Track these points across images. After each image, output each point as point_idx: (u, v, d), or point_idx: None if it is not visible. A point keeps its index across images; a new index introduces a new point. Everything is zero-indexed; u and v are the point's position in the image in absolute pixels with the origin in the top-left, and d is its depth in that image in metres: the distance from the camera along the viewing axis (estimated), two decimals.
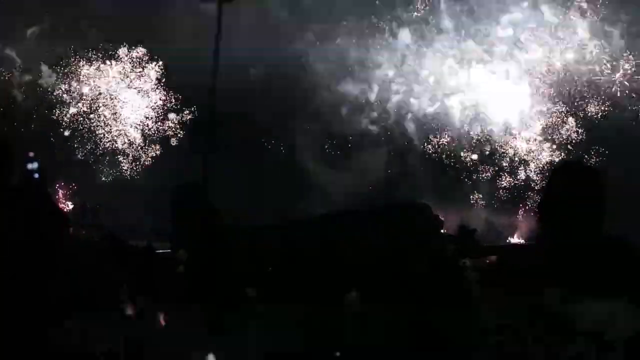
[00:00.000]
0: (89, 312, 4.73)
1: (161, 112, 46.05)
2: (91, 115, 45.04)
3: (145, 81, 45.59)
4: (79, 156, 44.88)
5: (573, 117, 46.69)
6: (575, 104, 45.85)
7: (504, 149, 48.82)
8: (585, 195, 3.46)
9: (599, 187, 3.52)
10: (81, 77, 44.55)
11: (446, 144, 49.86)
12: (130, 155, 45.47)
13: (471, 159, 48.14)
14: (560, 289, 3.31)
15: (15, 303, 4.32)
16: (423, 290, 6.71)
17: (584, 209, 3.45)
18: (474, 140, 48.77)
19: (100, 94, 44.79)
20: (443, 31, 48.75)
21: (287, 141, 45.25)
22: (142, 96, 45.67)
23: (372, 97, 49.36)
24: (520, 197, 48.66)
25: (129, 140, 45.61)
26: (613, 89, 46.77)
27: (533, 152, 48.40)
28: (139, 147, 45.95)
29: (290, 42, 46.60)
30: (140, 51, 45.05)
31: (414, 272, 7.12)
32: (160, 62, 44.92)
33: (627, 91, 46.20)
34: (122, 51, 44.90)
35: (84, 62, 44.78)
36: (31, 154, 4.92)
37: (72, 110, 44.56)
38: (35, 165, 4.83)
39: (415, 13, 48.64)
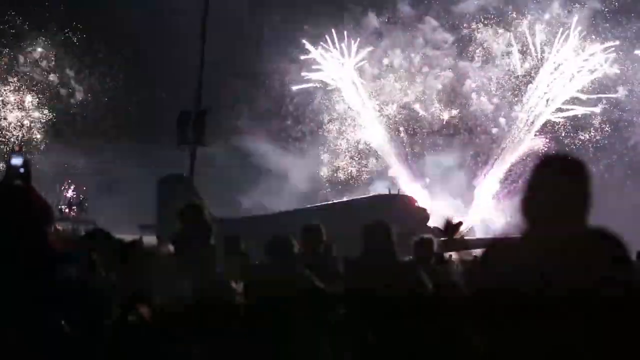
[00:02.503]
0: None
1: None
2: None
3: None
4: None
5: None
6: None
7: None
8: (569, 186, 3.46)
9: (582, 178, 3.52)
10: None
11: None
12: None
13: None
14: None
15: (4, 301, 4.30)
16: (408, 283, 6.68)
17: (569, 200, 3.45)
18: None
19: None
20: (401, 11, 48.64)
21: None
22: None
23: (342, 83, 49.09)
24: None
25: None
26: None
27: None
28: None
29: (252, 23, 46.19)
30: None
31: (401, 264, 7.09)
32: None
33: None
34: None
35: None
36: (17, 149, 4.88)
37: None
38: (20, 160, 4.78)
39: None
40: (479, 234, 42.48)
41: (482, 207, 47.75)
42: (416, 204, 38.29)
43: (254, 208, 41.23)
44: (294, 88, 49.22)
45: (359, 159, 49.69)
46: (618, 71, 46.83)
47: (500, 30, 48.54)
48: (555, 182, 3.48)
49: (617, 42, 46.61)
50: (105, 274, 5.84)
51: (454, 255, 9.59)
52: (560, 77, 47.43)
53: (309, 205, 38.86)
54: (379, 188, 45.41)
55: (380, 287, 6.59)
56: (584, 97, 47.05)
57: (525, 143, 48.12)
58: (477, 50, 48.84)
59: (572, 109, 47.18)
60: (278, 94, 48.85)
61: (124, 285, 5.80)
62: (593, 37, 47.01)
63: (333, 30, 48.62)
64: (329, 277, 7.27)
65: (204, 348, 6.41)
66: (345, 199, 43.00)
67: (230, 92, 43.68)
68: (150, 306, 5.99)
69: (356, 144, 49.63)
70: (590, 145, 46.97)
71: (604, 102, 47.35)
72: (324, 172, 48.52)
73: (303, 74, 49.17)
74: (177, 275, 6.45)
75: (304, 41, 48.93)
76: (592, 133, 47.42)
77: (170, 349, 6.00)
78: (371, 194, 41.09)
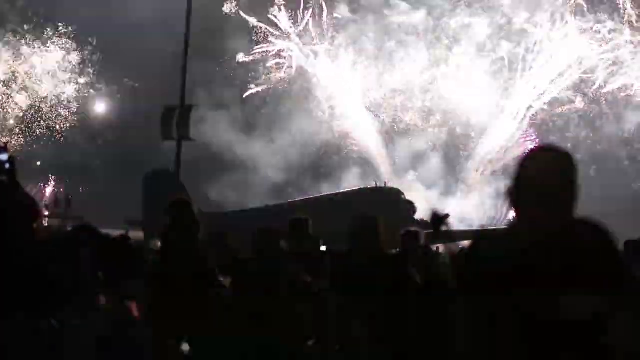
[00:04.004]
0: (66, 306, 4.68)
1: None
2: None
3: None
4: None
5: None
6: None
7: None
8: (556, 177, 3.47)
9: (570, 170, 3.52)
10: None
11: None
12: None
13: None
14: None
15: None
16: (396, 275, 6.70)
17: (556, 191, 3.46)
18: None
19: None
20: None
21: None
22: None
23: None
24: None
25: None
26: None
27: None
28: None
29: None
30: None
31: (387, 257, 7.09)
32: None
33: None
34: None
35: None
36: (2, 145, 4.86)
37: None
38: (5, 156, 4.76)
39: None
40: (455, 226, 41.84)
41: (460, 198, 47.58)
42: (403, 196, 38.22)
43: (223, 200, 40.68)
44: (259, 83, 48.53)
45: (336, 148, 49.05)
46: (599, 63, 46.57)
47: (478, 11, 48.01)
48: (543, 172, 3.49)
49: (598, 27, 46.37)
50: (93, 269, 5.82)
51: (441, 247, 9.62)
52: (541, 65, 47.17)
53: (293, 199, 38.69)
54: (351, 177, 45.21)
55: (368, 280, 6.61)
56: (565, 89, 46.83)
57: (506, 134, 47.86)
58: (452, 33, 48.27)
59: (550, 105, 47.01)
60: (242, 81, 48.04)
61: (112, 281, 5.79)
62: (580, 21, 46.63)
63: (309, 18, 48.13)
64: (316, 271, 7.28)
65: (193, 342, 6.42)
66: (321, 189, 42.80)
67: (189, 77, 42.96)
68: (138, 301, 5.99)
69: (328, 131, 48.94)
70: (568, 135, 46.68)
71: (582, 89, 47.02)
72: (295, 161, 47.46)
73: (270, 64, 48.58)
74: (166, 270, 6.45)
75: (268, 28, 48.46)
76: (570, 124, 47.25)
77: (159, 344, 6.00)
78: (358, 187, 40.92)
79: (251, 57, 48.19)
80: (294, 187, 44.47)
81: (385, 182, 42.63)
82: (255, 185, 43.81)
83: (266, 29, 48.30)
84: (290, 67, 48.75)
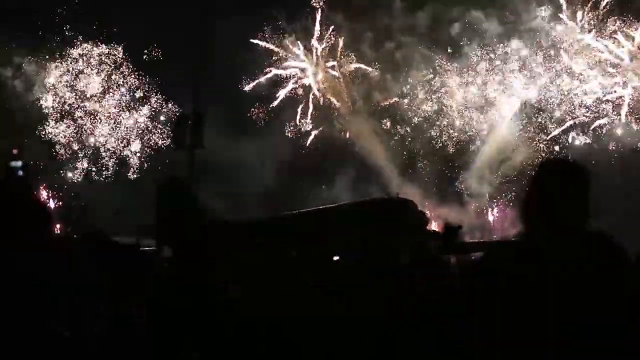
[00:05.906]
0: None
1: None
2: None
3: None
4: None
5: None
6: None
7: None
8: (570, 191, 3.48)
9: (584, 183, 3.53)
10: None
11: None
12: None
13: None
14: None
15: None
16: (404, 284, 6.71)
17: (569, 205, 3.46)
18: None
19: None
20: None
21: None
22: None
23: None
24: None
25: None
26: None
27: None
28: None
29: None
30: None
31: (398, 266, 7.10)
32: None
33: None
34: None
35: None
36: (15, 152, 4.88)
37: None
38: (19, 162, 4.80)
39: None
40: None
41: (458, 207, 47.16)
42: (415, 207, 38.03)
43: (218, 207, 40.27)
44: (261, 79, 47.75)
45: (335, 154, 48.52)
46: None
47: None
48: (556, 186, 3.49)
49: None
50: (103, 275, 5.84)
51: (452, 258, 9.61)
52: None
53: (306, 209, 38.50)
54: (351, 182, 44.93)
55: (379, 290, 6.60)
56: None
57: (507, 139, 47.30)
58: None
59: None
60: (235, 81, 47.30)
61: (120, 287, 5.81)
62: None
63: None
64: (327, 280, 7.28)
65: (202, 350, 6.42)
66: (319, 194, 42.56)
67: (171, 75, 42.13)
68: (146, 308, 6.00)
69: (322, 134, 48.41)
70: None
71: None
72: (291, 165, 46.69)
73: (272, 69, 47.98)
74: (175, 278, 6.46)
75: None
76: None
77: (167, 353, 6.00)
78: (372, 198, 40.66)
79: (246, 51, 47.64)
80: (291, 192, 44.09)
81: (397, 193, 42.41)
82: (250, 190, 43.31)
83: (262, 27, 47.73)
84: (288, 69, 48.37)
